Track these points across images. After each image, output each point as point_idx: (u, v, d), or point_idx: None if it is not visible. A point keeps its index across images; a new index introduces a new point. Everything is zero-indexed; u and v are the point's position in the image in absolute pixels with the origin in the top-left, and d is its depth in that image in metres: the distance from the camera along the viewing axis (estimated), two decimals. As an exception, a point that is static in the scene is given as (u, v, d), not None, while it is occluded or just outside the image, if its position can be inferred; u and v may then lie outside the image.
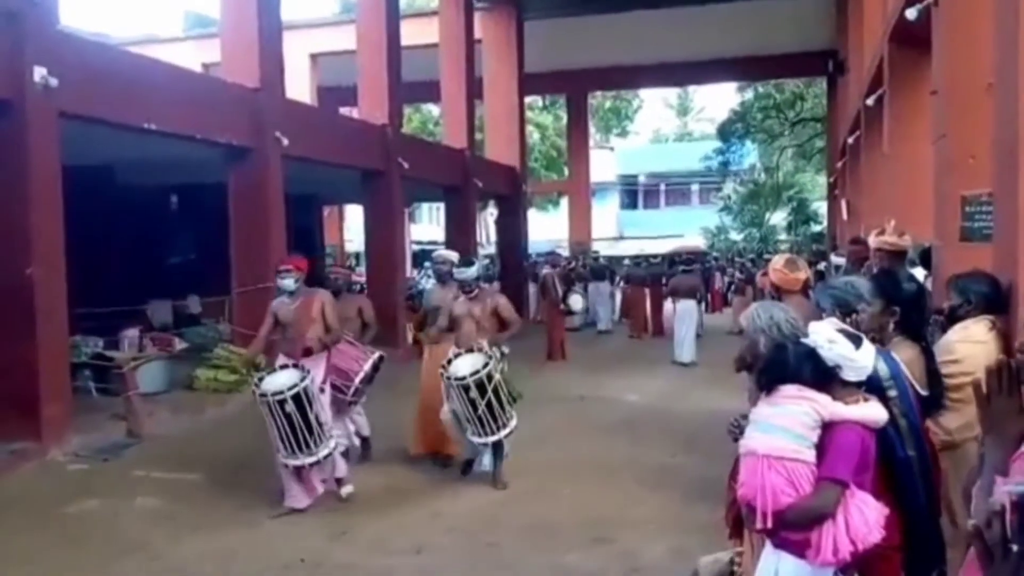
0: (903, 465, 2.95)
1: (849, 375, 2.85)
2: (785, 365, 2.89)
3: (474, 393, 6.49)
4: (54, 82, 7.90)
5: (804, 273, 5.18)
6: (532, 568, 5.38)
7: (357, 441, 7.59)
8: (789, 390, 2.84)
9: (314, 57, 22.79)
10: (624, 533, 5.87)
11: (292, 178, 12.28)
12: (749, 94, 37.61)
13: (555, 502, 6.65)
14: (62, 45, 8.34)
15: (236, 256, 11.47)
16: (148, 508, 6.57)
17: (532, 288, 20.93)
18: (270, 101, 11.73)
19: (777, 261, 5.24)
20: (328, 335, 6.71)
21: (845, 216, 18.18)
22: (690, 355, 14.14)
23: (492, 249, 28.05)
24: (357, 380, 7.12)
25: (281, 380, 6.16)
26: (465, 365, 6.65)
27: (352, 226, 30.51)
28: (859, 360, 2.84)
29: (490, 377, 6.55)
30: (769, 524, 2.76)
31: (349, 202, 25.48)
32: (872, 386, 2.94)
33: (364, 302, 8.17)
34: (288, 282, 6.66)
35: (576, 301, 16.79)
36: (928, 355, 3.45)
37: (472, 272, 7.25)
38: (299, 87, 19.93)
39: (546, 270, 16.08)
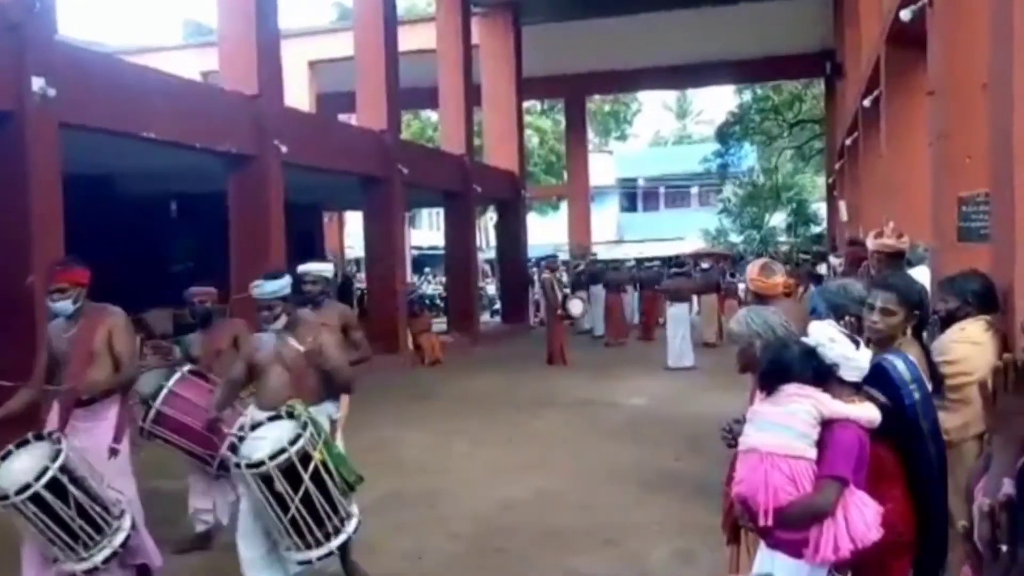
0: (927, 465, 2.96)
1: (847, 374, 2.88)
2: (786, 364, 2.93)
3: (281, 485, 4.17)
4: (52, 92, 7.92)
5: (781, 276, 5.14)
6: (540, 572, 5.38)
7: (204, 528, 6.00)
8: (791, 388, 2.88)
9: (312, 64, 22.83)
10: (631, 536, 5.89)
11: (292, 185, 12.29)
12: (747, 96, 37.58)
13: (561, 506, 6.66)
14: (61, 55, 8.37)
15: (236, 264, 11.47)
16: (150, 517, 6.55)
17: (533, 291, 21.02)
18: (269, 108, 11.75)
19: (752, 270, 5.12)
20: (118, 375, 4.95)
21: (844, 217, 18.16)
22: (689, 359, 14.12)
23: (492, 254, 28.06)
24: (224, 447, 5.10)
25: (22, 468, 4.27)
26: (264, 443, 4.28)
27: (352, 232, 30.54)
28: (858, 359, 2.88)
29: (306, 457, 4.21)
30: (770, 521, 2.78)
31: (349, 208, 25.49)
32: (892, 390, 2.95)
33: (241, 329, 6.20)
34: (64, 305, 4.79)
35: (575, 306, 16.80)
36: (927, 353, 3.46)
37: (272, 288, 4.74)
38: (298, 94, 19.98)
39: (545, 275, 16.07)
